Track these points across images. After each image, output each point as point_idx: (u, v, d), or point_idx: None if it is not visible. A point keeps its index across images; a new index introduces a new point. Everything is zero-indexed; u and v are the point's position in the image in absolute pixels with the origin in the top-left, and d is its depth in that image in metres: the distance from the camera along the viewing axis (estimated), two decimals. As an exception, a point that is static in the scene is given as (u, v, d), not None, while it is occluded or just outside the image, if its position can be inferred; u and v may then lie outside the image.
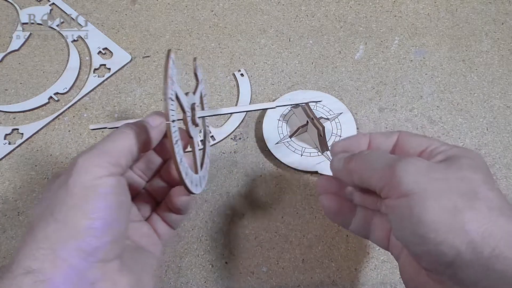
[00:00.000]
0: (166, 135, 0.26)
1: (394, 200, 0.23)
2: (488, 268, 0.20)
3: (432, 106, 0.47)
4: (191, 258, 0.39)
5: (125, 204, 0.25)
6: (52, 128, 0.45)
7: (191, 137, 0.29)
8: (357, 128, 0.45)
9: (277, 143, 0.43)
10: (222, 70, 0.50)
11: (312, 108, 0.43)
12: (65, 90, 0.47)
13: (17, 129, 0.45)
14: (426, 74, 0.50)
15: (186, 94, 0.29)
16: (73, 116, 0.46)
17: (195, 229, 0.40)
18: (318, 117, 0.42)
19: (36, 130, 0.45)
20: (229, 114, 0.46)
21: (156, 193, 0.32)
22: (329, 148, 0.31)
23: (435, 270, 0.22)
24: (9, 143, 0.44)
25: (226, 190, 0.42)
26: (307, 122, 0.42)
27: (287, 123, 0.45)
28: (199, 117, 0.30)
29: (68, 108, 0.46)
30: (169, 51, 0.25)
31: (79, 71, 0.49)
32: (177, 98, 0.26)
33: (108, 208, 0.23)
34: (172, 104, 0.25)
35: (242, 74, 0.49)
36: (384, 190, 0.24)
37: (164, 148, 0.31)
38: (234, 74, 0.49)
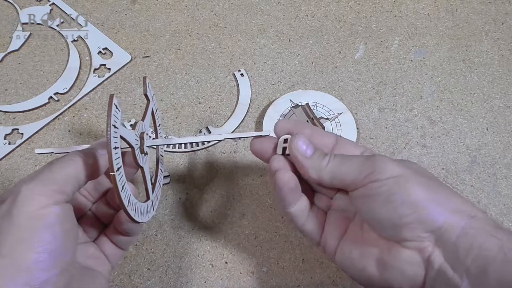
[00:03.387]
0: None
1: (380, 182, 0.26)
2: (466, 232, 0.24)
3: (432, 106, 0.47)
4: (191, 258, 0.39)
5: (72, 232, 0.24)
6: (52, 128, 0.45)
7: (140, 167, 0.29)
8: (357, 128, 0.45)
9: (277, 143, 0.43)
10: (222, 70, 0.50)
11: (312, 108, 0.43)
12: (65, 90, 0.47)
13: (17, 129, 0.45)
14: (426, 74, 0.50)
15: (135, 124, 0.29)
16: (73, 116, 0.46)
17: (195, 229, 0.40)
18: (318, 117, 0.42)
19: (36, 130, 0.45)
20: (229, 115, 0.46)
21: (102, 215, 0.32)
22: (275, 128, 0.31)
23: (417, 238, 0.25)
24: (9, 143, 0.44)
25: (226, 190, 0.42)
26: (307, 122, 0.42)
27: (287, 123, 0.45)
28: (147, 146, 0.30)
29: (68, 108, 0.46)
30: (111, 96, 0.24)
31: (79, 71, 0.49)
32: (123, 138, 0.26)
33: (55, 239, 0.23)
34: (116, 153, 0.24)
35: (242, 74, 0.49)
36: (365, 179, 0.26)
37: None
38: (234, 74, 0.49)
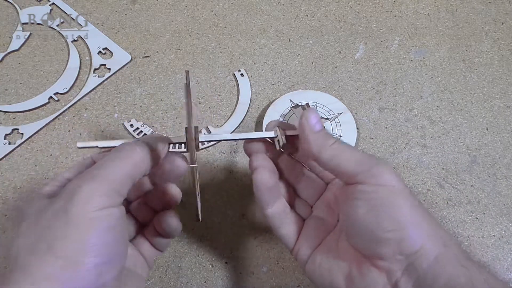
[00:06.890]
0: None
1: (372, 186, 0.25)
2: (438, 261, 0.23)
3: (432, 106, 0.47)
4: (191, 258, 0.39)
5: (126, 235, 0.23)
6: (52, 128, 0.45)
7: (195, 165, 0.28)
8: (357, 128, 0.45)
9: (277, 143, 0.43)
10: (222, 70, 0.50)
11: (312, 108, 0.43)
12: (65, 90, 0.47)
13: (17, 129, 0.45)
14: (426, 74, 0.50)
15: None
16: (73, 116, 0.46)
17: (195, 229, 0.40)
18: (318, 117, 0.42)
19: (36, 130, 0.45)
20: (229, 115, 0.46)
21: (140, 215, 0.31)
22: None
23: (391, 258, 0.24)
24: (9, 143, 0.44)
25: (226, 190, 0.42)
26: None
27: (287, 123, 0.45)
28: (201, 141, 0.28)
29: (68, 108, 0.46)
30: (187, 71, 0.24)
31: (79, 71, 0.49)
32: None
33: (115, 243, 0.22)
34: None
35: (242, 74, 0.49)
36: (359, 176, 0.26)
37: (157, 173, 0.28)
38: (234, 74, 0.49)
